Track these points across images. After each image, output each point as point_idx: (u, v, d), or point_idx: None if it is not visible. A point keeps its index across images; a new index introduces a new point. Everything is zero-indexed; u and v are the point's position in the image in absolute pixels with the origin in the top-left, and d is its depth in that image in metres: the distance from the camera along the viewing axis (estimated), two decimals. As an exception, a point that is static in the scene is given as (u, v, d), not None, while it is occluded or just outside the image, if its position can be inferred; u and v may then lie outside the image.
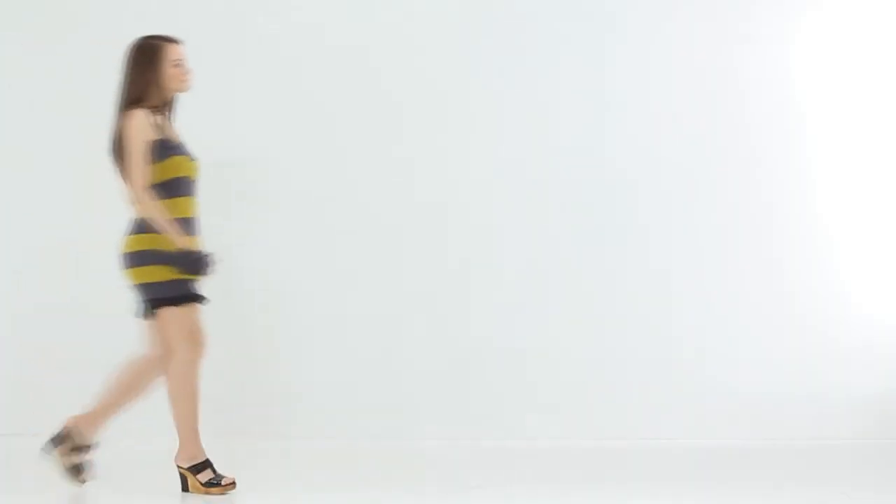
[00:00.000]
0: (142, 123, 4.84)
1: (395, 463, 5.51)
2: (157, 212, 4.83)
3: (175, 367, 4.90)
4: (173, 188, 4.90)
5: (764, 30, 6.16)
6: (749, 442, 5.95)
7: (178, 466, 4.97)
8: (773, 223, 6.17)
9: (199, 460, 4.95)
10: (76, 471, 5.00)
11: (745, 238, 6.15)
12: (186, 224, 4.90)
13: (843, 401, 6.06)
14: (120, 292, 6.25)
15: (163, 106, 4.98)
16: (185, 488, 4.96)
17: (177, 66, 4.93)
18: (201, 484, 4.91)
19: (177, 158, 4.90)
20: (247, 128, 6.22)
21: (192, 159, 4.97)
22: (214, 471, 4.96)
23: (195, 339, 4.89)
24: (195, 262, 4.84)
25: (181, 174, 4.92)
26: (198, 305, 4.91)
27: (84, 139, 6.31)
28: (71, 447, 5.03)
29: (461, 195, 6.20)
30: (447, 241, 6.19)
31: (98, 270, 6.28)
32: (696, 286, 6.15)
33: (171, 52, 4.92)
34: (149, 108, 4.90)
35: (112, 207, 6.29)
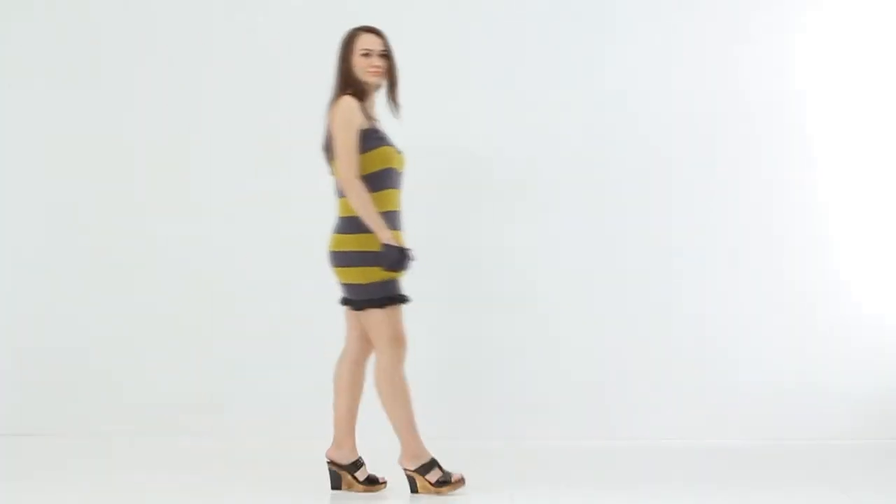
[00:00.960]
0: (348, 110, 4.68)
1: (395, 462, 5.51)
2: (365, 203, 4.66)
3: (382, 370, 4.79)
4: (380, 180, 4.74)
5: (765, 29, 6.16)
6: (749, 442, 5.95)
7: (405, 469, 4.85)
8: (776, 222, 6.16)
9: (425, 460, 4.83)
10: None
11: (746, 238, 6.15)
12: (392, 218, 4.76)
13: (844, 401, 6.06)
14: (121, 292, 6.28)
15: (363, 95, 4.80)
16: (413, 490, 4.83)
17: (364, 55, 4.75)
18: (431, 484, 4.79)
19: (385, 149, 4.74)
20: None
21: (400, 151, 4.82)
22: (442, 468, 4.84)
23: (399, 341, 4.79)
24: (398, 259, 4.70)
25: (389, 165, 4.76)
26: (401, 306, 4.82)
27: (84, 140, 6.31)
28: (348, 481, 4.96)
29: (461, 194, 6.20)
30: (447, 240, 6.19)
31: (98, 271, 6.29)
32: (697, 286, 6.15)
33: (361, 41, 4.77)
34: (354, 97, 4.74)
35: (112, 208, 6.31)
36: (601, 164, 6.15)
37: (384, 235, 4.68)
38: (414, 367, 6.14)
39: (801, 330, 6.11)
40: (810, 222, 6.16)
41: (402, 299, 4.83)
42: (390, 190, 4.77)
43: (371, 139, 4.72)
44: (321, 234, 6.22)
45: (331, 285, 6.19)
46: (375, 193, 4.73)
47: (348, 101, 4.68)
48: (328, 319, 6.20)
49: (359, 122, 4.70)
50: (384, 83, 4.82)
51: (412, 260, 4.79)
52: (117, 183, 6.29)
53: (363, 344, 4.94)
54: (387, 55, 4.78)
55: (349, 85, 4.77)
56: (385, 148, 4.75)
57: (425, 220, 6.16)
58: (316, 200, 6.23)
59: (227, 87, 6.27)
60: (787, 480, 5.14)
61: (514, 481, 5.10)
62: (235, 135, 6.26)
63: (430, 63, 6.14)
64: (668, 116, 6.17)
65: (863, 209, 6.15)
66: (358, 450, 4.99)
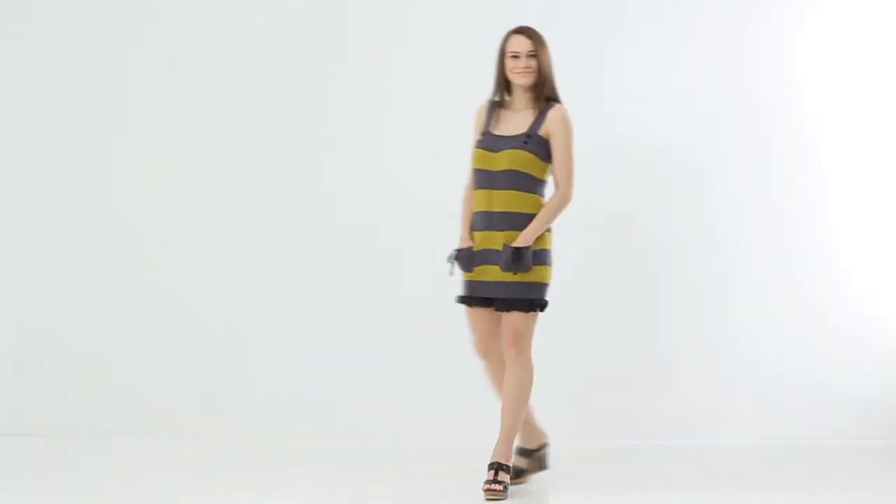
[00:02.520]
0: (476, 112, 4.95)
1: (395, 463, 5.51)
2: (462, 200, 4.98)
3: (527, 370, 4.85)
4: (474, 179, 4.90)
5: (768, 27, 6.15)
6: (749, 442, 5.95)
7: (497, 464, 4.85)
8: (778, 222, 6.16)
9: (529, 446, 5.02)
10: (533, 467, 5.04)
11: (749, 238, 6.15)
12: (477, 217, 4.89)
13: (844, 401, 6.06)
14: (121, 292, 6.28)
15: (512, 95, 4.93)
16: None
17: (513, 57, 4.87)
18: (497, 484, 4.80)
19: (473, 150, 4.89)
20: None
21: (489, 151, 4.84)
22: (540, 461, 5.03)
23: (476, 345, 4.98)
24: (457, 259, 4.90)
25: (474, 166, 4.90)
26: (466, 307, 4.94)
27: (83, 141, 6.31)
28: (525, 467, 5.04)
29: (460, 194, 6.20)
30: (448, 240, 6.19)
31: (98, 271, 6.29)
32: (698, 286, 6.15)
33: (510, 43, 4.89)
34: (500, 97, 4.93)
35: (111, 208, 6.30)
36: (605, 163, 6.14)
37: (460, 235, 4.96)
38: (413, 366, 6.17)
39: (803, 330, 6.11)
40: (813, 222, 6.16)
41: (461, 300, 4.94)
42: (476, 190, 4.90)
43: (477, 140, 4.93)
44: (321, 233, 6.25)
45: (330, 285, 6.22)
46: (473, 191, 4.94)
47: (479, 105, 4.98)
48: (328, 319, 6.22)
49: (476, 124, 4.95)
50: (532, 82, 4.90)
51: (458, 262, 4.92)
52: (117, 183, 6.28)
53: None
54: (535, 55, 4.85)
55: (502, 86, 4.94)
56: (476, 149, 4.90)
57: (430, 220, 6.18)
58: (316, 200, 6.24)
59: (228, 87, 6.27)
60: (787, 480, 5.14)
61: (517, 481, 5.09)
62: (234, 135, 6.26)
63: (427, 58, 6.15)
64: (669, 116, 6.17)
65: (866, 208, 6.15)
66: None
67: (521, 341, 4.81)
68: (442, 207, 6.18)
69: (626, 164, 6.16)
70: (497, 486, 4.73)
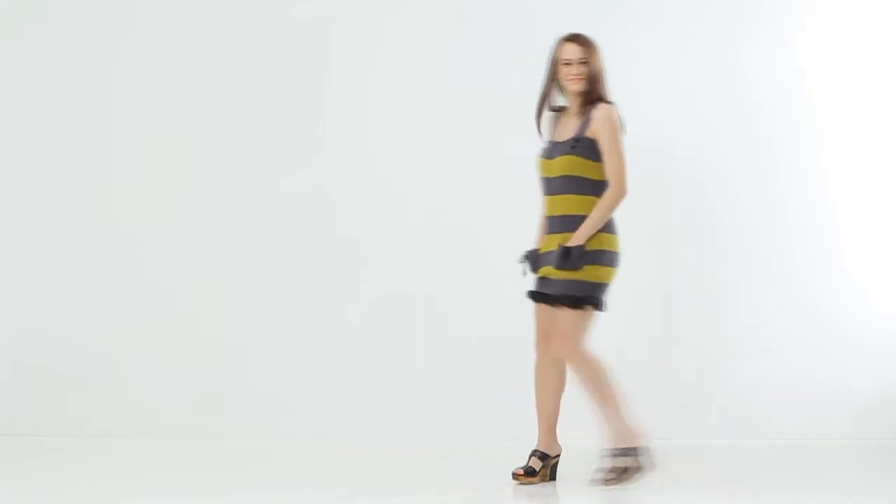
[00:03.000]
0: (545, 122, 5.07)
1: (395, 463, 5.51)
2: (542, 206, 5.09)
3: (582, 366, 4.95)
4: (541, 186, 5.04)
5: (772, 26, 6.15)
6: (749, 442, 5.95)
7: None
8: (781, 221, 6.16)
9: (550, 454, 5.08)
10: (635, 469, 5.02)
11: (751, 238, 6.14)
12: (544, 222, 5.06)
13: (845, 400, 6.06)
14: (121, 292, 6.28)
15: (567, 104, 5.04)
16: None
17: (565, 64, 4.97)
18: (523, 469, 4.99)
19: (539, 159, 5.03)
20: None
21: (546, 158, 4.99)
22: (551, 470, 5.07)
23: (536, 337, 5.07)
24: (525, 260, 5.05)
25: (538, 174, 5.03)
26: (534, 303, 5.07)
27: (82, 141, 6.32)
28: (626, 466, 5.01)
29: (461, 194, 6.20)
30: (447, 240, 6.19)
31: (98, 271, 6.29)
32: (698, 286, 6.15)
33: (561, 50, 4.99)
34: (553, 106, 5.05)
35: (111, 208, 6.31)
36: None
37: (536, 237, 5.11)
38: (413, 366, 6.18)
39: (802, 330, 6.10)
40: (816, 221, 6.15)
41: (529, 294, 5.09)
42: (543, 196, 5.04)
43: (541, 150, 5.06)
44: (320, 233, 6.25)
45: (330, 285, 6.23)
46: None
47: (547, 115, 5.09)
48: (328, 319, 6.22)
49: (547, 132, 5.08)
50: (584, 88, 4.98)
51: (523, 262, 5.07)
52: (116, 183, 6.29)
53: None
54: (586, 62, 4.96)
55: (550, 93, 5.05)
56: (540, 158, 5.04)
57: (430, 220, 6.18)
58: (315, 200, 6.24)
59: (227, 87, 6.27)
60: (787, 480, 5.14)
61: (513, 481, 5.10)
62: (233, 135, 6.26)
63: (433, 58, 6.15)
64: (673, 116, 6.16)
65: (868, 207, 6.14)
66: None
67: (564, 337, 4.91)
68: (441, 207, 6.21)
69: (630, 165, 6.15)
70: (519, 470, 4.98)
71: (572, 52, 4.96)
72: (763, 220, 6.15)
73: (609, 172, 4.90)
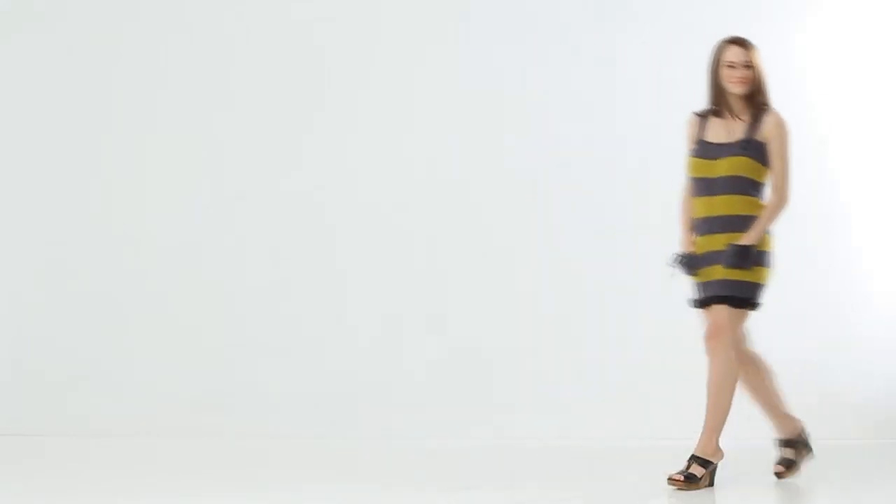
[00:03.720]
0: (687, 125, 5.04)
1: (395, 463, 5.51)
2: (680, 207, 5.06)
3: (727, 365, 4.99)
4: (692, 188, 5.02)
5: (773, 27, 6.15)
6: (749, 442, 5.95)
7: (694, 456, 4.96)
8: (780, 221, 6.15)
9: (711, 459, 4.98)
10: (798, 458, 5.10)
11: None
12: (698, 223, 5.00)
13: (845, 400, 6.06)
14: (120, 292, 6.28)
15: (728, 104, 5.02)
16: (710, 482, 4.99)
17: (729, 67, 4.97)
18: (683, 476, 4.88)
19: (693, 160, 5.01)
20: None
21: (707, 159, 4.97)
22: (709, 475, 4.97)
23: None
24: (680, 263, 5.02)
25: (692, 174, 5.01)
26: (700, 309, 5.03)
27: (81, 140, 6.32)
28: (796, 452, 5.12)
29: (462, 194, 6.20)
30: (448, 240, 6.19)
31: (98, 271, 6.29)
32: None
33: (725, 53, 4.99)
34: (713, 108, 5.02)
35: (110, 208, 6.31)
36: (606, 164, 6.14)
37: (681, 239, 5.05)
38: (413, 366, 6.18)
39: (803, 330, 6.10)
40: (816, 221, 6.15)
41: (696, 304, 5.05)
42: (695, 197, 5.02)
43: (692, 149, 5.04)
44: (320, 233, 6.25)
45: (330, 285, 6.23)
46: (692, 199, 5.04)
47: (688, 118, 5.07)
48: (328, 319, 6.22)
49: (690, 134, 5.04)
50: (748, 91, 5.00)
51: (681, 265, 5.03)
52: (116, 183, 6.29)
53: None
54: (750, 65, 4.98)
55: (716, 94, 5.03)
56: (690, 159, 5.03)
57: (430, 220, 6.18)
58: (316, 201, 6.24)
59: (227, 88, 6.27)
60: (787, 480, 5.13)
61: (515, 481, 5.10)
62: (234, 135, 6.27)
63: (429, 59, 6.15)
64: (672, 116, 6.15)
65: (870, 207, 6.14)
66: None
67: (723, 335, 4.95)
68: (441, 207, 6.21)
69: (628, 165, 6.16)
70: (678, 476, 4.86)
71: (737, 54, 4.97)
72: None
73: (777, 179, 4.94)
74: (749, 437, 5.84)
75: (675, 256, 5.04)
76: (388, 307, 6.19)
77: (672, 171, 6.13)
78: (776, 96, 6.12)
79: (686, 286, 6.11)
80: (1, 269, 6.32)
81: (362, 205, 6.21)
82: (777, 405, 5.16)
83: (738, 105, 5.00)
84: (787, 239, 6.10)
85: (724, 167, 4.93)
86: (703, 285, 4.99)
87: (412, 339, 6.18)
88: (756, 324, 6.04)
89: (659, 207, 6.15)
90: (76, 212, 6.29)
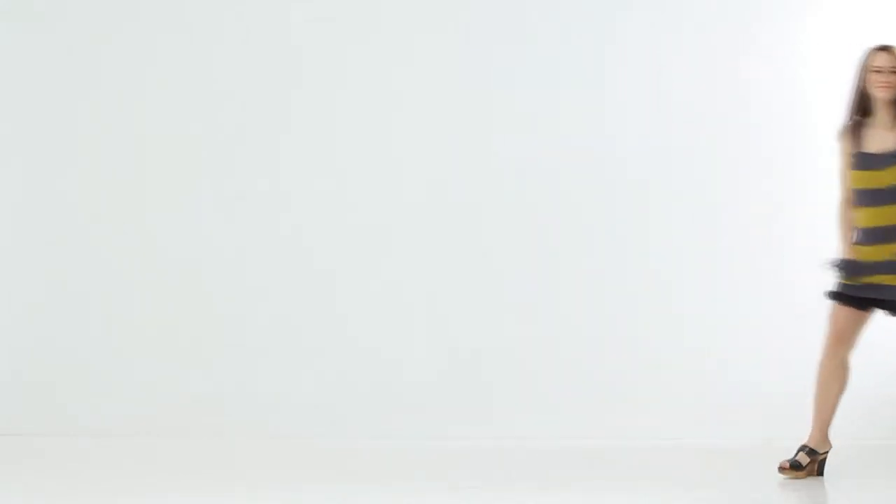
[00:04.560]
0: (840, 135, 5.14)
1: (395, 463, 5.51)
2: (838, 217, 5.19)
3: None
4: (855, 199, 5.09)
5: (771, 28, 6.15)
6: (749, 442, 5.95)
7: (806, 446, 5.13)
8: (778, 222, 6.15)
9: (819, 450, 5.14)
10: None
11: (748, 238, 6.14)
12: (863, 233, 5.08)
13: (845, 401, 6.04)
14: (120, 292, 6.28)
15: (872, 110, 5.08)
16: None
17: (875, 72, 5.02)
18: (790, 463, 5.07)
19: (854, 173, 5.08)
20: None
21: (871, 170, 5.04)
22: (819, 466, 5.14)
23: (828, 336, 5.16)
24: (833, 267, 5.14)
25: (855, 186, 5.08)
26: (839, 303, 5.11)
27: (80, 139, 6.31)
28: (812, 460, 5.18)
29: (462, 194, 6.20)
30: (447, 240, 6.19)
31: (98, 270, 6.29)
32: (699, 286, 6.14)
33: (873, 59, 5.04)
34: (858, 117, 5.10)
35: (110, 208, 6.31)
36: (604, 165, 6.14)
37: (841, 247, 5.17)
38: (413, 366, 6.18)
39: (802, 330, 6.09)
40: (817, 222, 6.13)
41: (835, 296, 5.12)
42: (860, 208, 5.09)
43: (853, 162, 5.12)
44: (320, 233, 6.25)
45: (330, 285, 6.23)
46: (856, 209, 5.13)
47: (842, 128, 5.16)
48: (328, 319, 6.22)
49: (844, 145, 5.14)
50: (892, 97, 5.05)
51: (840, 272, 5.12)
52: (115, 183, 6.29)
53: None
54: None
55: (861, 100, 5.10)
56: (851, 172, 5.11)
57: (429, 220, 6.18)
58: (314, 200, 6.24)
59: (228, 88, 6.27)
60: (786, 480, 5.13)
61: (515, 481, 5.10)
62: (234, 135, 6.26)
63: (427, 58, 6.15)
64: (672, 117, 6.16)
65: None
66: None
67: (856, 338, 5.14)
68: (442, 207, 6.20)
69: (626, 166, 6.16)
70: (785, 464, 5.07)
71: (884, 60, 5.02)
72: (763, 221, 6.15)
73: None
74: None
75: (834, 261, 5.14)
76: (388, 307, 6.19)
77: (672, 170, 6.18)
78: (776, 96, 6.16)
79: (686, 286, 6.16)
80: (1, 270, 6.31)
81: (362, 205, 6.21)
82: (830, 420, 5.23)
83: (886, 111, 5.05)
84: (784, 239, 6.14)
85: (891, 177, 5.01)
86: (859, 287, 5.07)
87: (412, 339, 6.18)
88: (771, 323, 6.08)
89: (659, 207, 6.17)
90: (76, 212, 6.29)
